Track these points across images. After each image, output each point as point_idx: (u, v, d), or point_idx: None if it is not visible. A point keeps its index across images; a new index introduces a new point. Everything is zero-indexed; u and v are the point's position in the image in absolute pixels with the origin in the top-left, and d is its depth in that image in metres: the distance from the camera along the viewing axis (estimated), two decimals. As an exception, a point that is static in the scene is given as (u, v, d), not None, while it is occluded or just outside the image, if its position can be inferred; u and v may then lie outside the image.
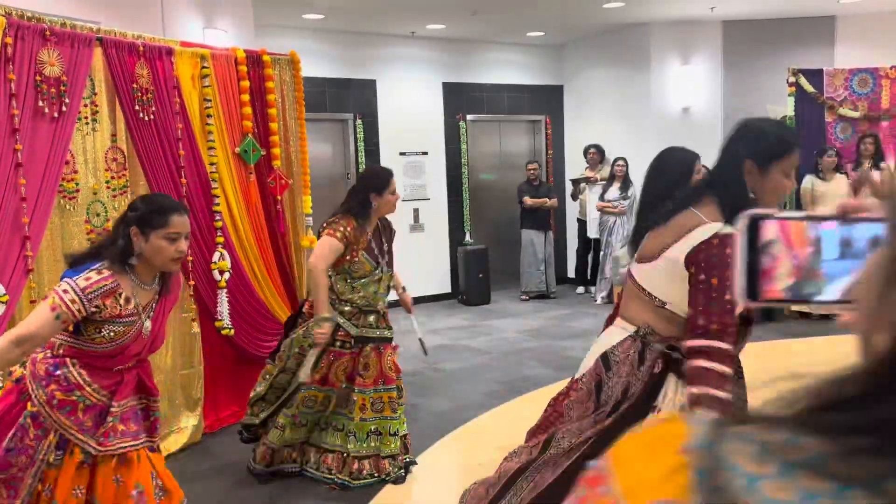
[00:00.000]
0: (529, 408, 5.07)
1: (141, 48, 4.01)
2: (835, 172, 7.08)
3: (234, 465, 4.05)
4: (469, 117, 9.19)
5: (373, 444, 3.66)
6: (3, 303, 2.97)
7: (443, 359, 6.29)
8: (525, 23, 8.41)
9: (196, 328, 4.43)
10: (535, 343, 6.74)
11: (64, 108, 3.42)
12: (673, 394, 1.92)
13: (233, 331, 4.61)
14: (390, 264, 3.80)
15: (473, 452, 4.23)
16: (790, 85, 7.44)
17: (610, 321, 2.17)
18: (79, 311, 2.15)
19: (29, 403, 2.21)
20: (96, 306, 2.17)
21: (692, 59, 8.72)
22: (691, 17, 8.36)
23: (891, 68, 7.40)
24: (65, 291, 2.15)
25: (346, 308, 3.61)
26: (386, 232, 3.82)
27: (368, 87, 8.46)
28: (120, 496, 2.30)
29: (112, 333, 2.21)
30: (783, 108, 7.67)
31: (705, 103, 8.70)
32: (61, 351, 2.25)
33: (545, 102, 9.77)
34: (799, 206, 7.27)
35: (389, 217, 3.88)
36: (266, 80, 4.86)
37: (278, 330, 5.10)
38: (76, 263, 2.24)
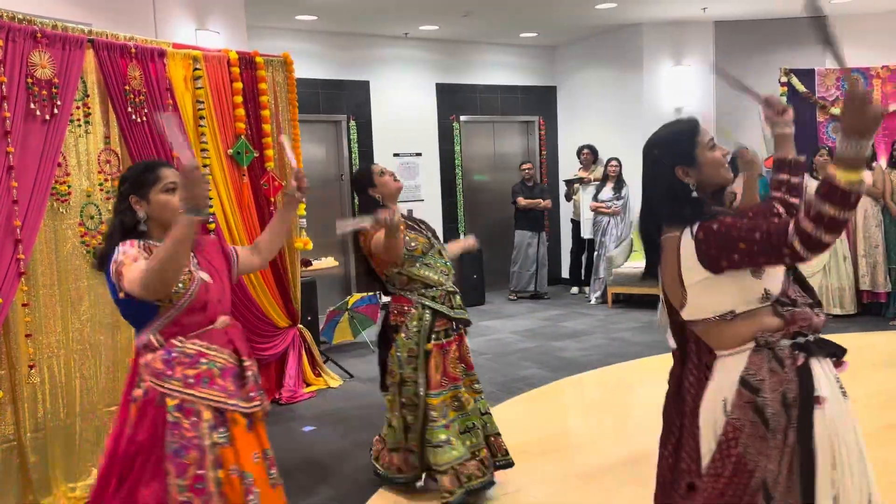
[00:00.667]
0: (525, 408, 5.08)
1: (133, 50, 4.00)
2: (828, 172, 7.12)
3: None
4: (462, 118, 9.20)
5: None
6: (-5, 306, 2.96)
7: (437, 360, 6.29)
8: (518, 24, 8.42)
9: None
10: (530, 344, 6.75)
11: (56, 111, 3.41)
12: (825, 375, 1.87)
13: (227, 333, 4.59)
14: (436, 236, 3.66)
15: (469, 453, 4.22)
16: (782, 85, 7.47)
17: (682, 364, 2.05)
18: (144, 256, 2.17)
19: (167, 399, 2.16)
20: (147, 256, 2.19)
21: (684, 59, 8.75)
22: (683, 17, 8.39)
23: (882, 68, 7.44)
24: (124, 254, 2.16)
25: (436, 293, 3.45)
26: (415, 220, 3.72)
27: (362, 88, 8.46)
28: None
29: (179, 284, 2.19)
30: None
31: (698, 103, 8.73)
32: (160, 339, 2.22)
33: (539, 103, 9.78)
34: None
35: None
36: (259, 81, 4.86)
37: (273, 332, 5.10)
38: (104, 257, 2.24)
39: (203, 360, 2.23)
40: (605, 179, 8.54)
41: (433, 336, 3.41)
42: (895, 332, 6.63)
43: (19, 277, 3.22)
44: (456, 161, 9.16)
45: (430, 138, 9.03)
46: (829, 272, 7.13)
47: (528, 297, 8.98)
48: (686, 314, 1.96)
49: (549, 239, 9.79)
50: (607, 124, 9.08)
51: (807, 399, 1.83)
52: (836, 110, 7.45)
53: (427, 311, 3.41)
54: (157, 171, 2.29)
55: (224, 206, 4.63)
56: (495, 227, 9.47)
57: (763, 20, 8.52)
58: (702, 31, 8.73)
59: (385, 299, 3.71)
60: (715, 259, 1.82)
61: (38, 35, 3.36)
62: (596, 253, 8.63)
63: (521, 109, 9.68)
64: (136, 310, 2.21)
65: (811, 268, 7.13)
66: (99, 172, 3.87)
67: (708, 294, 1.89)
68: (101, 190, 3.87)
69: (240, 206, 4.76)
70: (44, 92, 3.37)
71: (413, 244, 3.43)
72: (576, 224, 9.09)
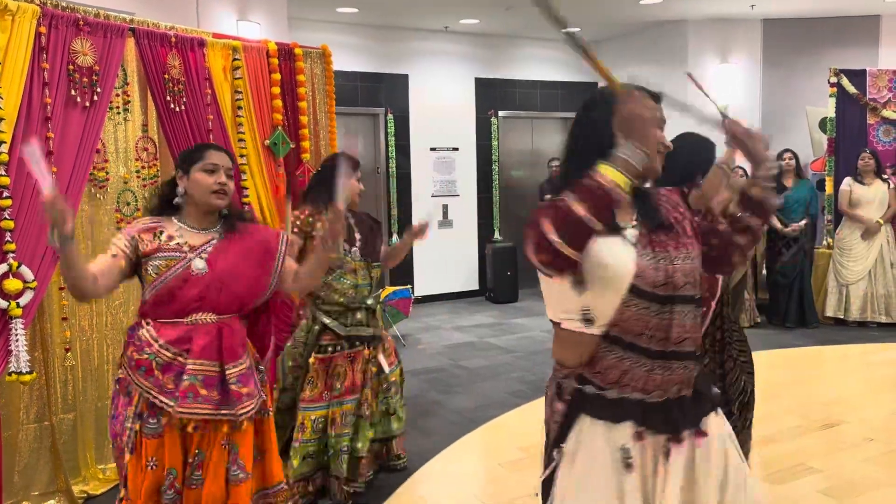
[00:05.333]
0: (554, 408, 5.01)
1: (173, 39, 4.03)
2: (874, 176, 6.88)
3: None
4: (501, 114, 9.14)
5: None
6: (31, 289, 3.00)
7: (467, 356, 6.26)
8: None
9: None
10: (561, 343, 6.67)
11: (95, 98, 3.44)
12: (585, 435, 1.58)
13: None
14: (369, 254, 3.38)
15: (495, 452, 4.20)
16: (832, 85, 7.24)
17: None
18: (125, 246, 2.29)
19: (119, 370, 2.31)
20: (132, 237, 2.30)
21: (731, 57, 8.55)
22: (730, 14, 8.20)
23: (938, 70, 7.17)
24: (115, 241, 2.33)
25: (332, 308, 3.30)
26: (363, 225, 3.46)
27: (400, 81, 8.45)
28: (220, 463, 2.28)
29: (155, 268, 2.27)
30: (823, 108, 7.48)
31: (744, 103, 8.53)
32: (140, 312, 2.35)
33: (579, 99, 9.58)
34: (837, 210, 7.09)
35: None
36: (297, 73, 4.86)
37: (304, 322, 5.12)
38: None
39: (147, 350, 2.26)
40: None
41: (317, 349, 3.28)
42: (943, 343, 6.40)
43: (56, 262, 3.27)
44: (493, 157, 9.10)
45: (468, 133, 8.99)
46: (874, 278, 6.90)
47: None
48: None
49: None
50: (648, 123, 8.92)
51: (550, 449, 1.63)
52: (888, 113, 7.21)
53: (317, 324, 3.31)
54: (203, 151, 2.39)
55: (260, 197, 4.65)
56: (531, 224, 9.39)
57: (813, 19, 8.29)
58: (749, 29, 8.52)
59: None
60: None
61: (81, 23, 3.40)
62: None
63: (561, 106, 9.58)
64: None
65: (855, 275, 6.92)
66: (136, 160, 3.92)
67: (544, 282, 1.63)
68: (139, 177, 3.92)
69: (275, 197, 4.77)
70: (84, 79, 3.41)
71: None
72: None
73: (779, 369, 5.73)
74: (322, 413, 3.27)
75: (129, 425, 2.23)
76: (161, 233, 2.32)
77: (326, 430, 3.28)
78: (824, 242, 7.30)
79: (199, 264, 2.31)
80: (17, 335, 2.94)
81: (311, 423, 3.25)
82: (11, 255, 2.96)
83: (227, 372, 2.29)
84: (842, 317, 7.01)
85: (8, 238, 2.95)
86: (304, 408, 3.26)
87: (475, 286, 9.10)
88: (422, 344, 6.71)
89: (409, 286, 7.11)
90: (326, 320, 3.29)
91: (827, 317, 7.08)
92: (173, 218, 2.37)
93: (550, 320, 1.68)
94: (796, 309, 6.97)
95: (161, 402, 2.23)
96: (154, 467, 2.21)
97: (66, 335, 3.50)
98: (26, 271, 3.00)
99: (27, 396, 3.44)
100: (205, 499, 2.27)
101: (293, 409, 3.33)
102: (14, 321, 2.94)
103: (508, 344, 6.68)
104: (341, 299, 3.29)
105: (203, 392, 2.25)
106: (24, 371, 2.95)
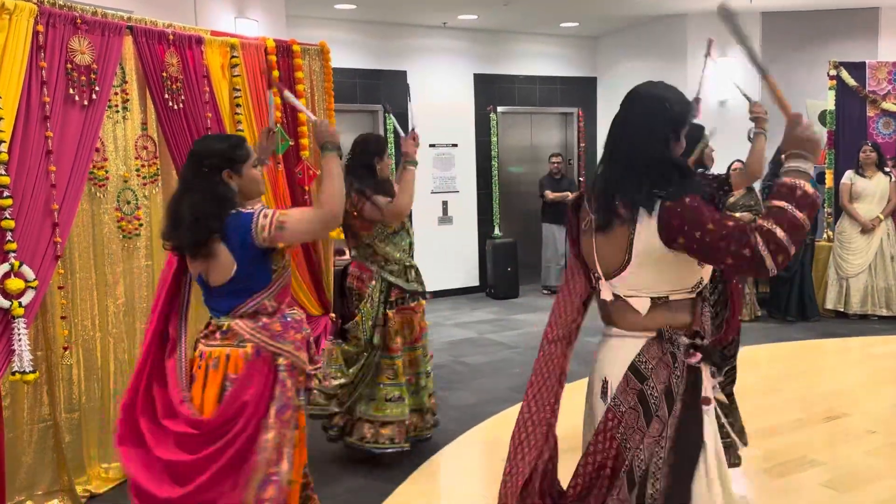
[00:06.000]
0: (555, 403, 5.01)
1: (171, 37, 4.02)
2: (876, 169, 6.87)
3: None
4: (500, 109, 9.13)
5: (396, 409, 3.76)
6: (32, 288, 3.00)
7: (468, 352, 6.26)
8: (559, 13, 8.31)
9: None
10: (562, 338, 6.67)
11: (94, 96, 3.44)
12: (709, 382, 1.83)
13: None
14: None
15: (497, 447, 4.19)
16: (831, 78, 7.24)
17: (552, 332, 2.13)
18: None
19: (280, 359, 2.33)
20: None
21: (730, 51, 8.52)
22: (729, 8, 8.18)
23: (937, 61, 7.16)
24: (264, 215, 2.28)
25: (394, 267, 3.78)
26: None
27: (399, 78, 8.44)
28: None
29: (287, 258, 2.41)
30: (823, 101, 7.47)
31: (742, 97, 8.50)
32: (274, 304, 2.39)
33: (578, 95, 9.65)
34: (837, 203, 7.08)
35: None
36: (295, 69, 4.85)
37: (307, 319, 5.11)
38: (201, 237, 2.28)
39: (305, 328, 2.46)
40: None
41: (389, 305, 3.75)
42: (944, 335, 6.41)
43: (56, 260, 3.27)
44: (492, 152, 9.09)
45: (467, 129, 8.98)
46: (874, 272, 6.90)
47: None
48: (617, 283, 1.89)
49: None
50: (648, 117, 8.91)
51: (694, 397, 1.78)
52: (887, 105, 7.20)
53: (385, 283, 3.76)
54: (247, 147, 2.43)
55: (259, 194, 4.65)
56: (530, 219, 9.39)
57: (812, 12, 8.28)
58: (749, 22, 8.50)
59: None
60: (676, 230, 1.72)
61: (79, 21, 3.39)
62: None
63: (560, 101, 9.57)
64: (253, 277, 2.33)
65: (855, 268, 6.92)
66: (136, 158, 3.91)
67: (651, 271, 1.82)
68: (138, 175, 3.92)
69: (275, 195, 4.77)
70: (83, 77, 3.40)
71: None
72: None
73: (780, 362, 5.74)
74: (400, 361, 3.76)
75: (298, 402, 2.37)
76: None
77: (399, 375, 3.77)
78: (824, 235, 7.30)
79: None
80: (19, 334, 2.95)
81: (401, 368, 3.75)
82: (13, 254, 2.96)
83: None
84: (842, 310, 7.02)
85: (9, 237, 2.95)
86: (394, 356, 3.73)
87: (475, 282, 9.09)
88: (423, 340, 6.71)
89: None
90: (392, 279, 3.76)
91: (827, 309, 7.08)
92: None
93: (660, 297, 1.85)
94: (797, 302, 6.97)
95: (313, 371, 2.47)
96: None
97: (64, 333, 3.50)
98: (27, 271, 3.00)
99: (31, 396, 3.44)
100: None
101: (371, 362, 3.72)
102: (16, 321, 2.94)
103: (509, 340, 6.68)
104: (400, 257, 3.79)
105: None
106: (27, 370, 2.95)
